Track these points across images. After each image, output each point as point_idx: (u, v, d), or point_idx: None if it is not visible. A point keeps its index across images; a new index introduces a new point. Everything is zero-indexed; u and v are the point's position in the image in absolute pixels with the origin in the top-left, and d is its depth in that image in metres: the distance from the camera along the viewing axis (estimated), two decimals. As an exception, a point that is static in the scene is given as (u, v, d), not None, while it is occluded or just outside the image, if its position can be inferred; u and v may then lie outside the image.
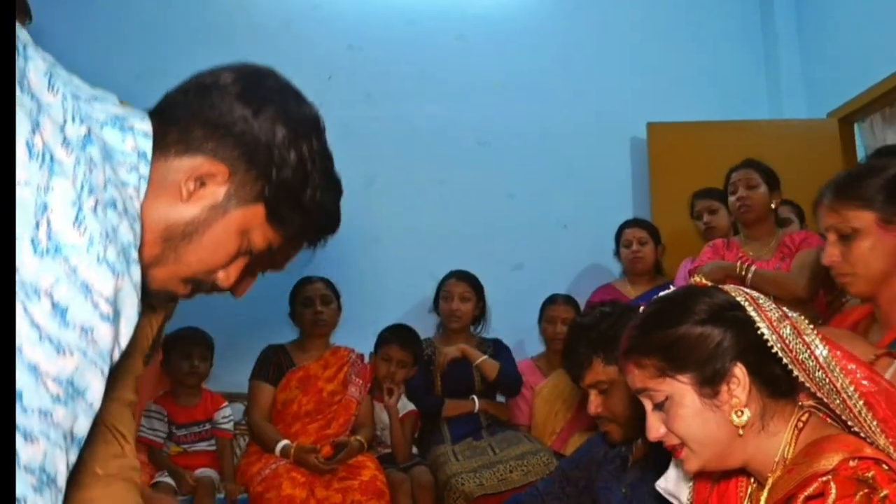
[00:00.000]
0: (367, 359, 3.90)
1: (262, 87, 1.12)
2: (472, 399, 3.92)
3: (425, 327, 4.18)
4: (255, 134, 1.08)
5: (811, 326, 1.28)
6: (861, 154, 4.73)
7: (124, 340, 0.94)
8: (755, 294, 1.34)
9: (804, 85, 5.08)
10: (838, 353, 1.26)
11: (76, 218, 0.85)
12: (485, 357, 3.96)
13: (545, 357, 4.18)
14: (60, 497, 0.85)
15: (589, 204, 4.82)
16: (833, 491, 1.13)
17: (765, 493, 1.29)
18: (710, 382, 1.28)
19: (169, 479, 3.30)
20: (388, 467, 3.58)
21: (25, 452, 0.80)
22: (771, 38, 5.18)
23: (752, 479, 1.38)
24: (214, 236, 1.08)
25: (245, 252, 1.14)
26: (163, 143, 1.04)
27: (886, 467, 1.16)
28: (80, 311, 0.85)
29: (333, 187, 1.19)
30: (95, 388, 0.88)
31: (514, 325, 4.38)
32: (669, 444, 1.35)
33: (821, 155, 4.60)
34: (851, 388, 1.24)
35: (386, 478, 3.46)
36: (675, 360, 1.30)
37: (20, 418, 0.79)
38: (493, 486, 3.41)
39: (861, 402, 1.23)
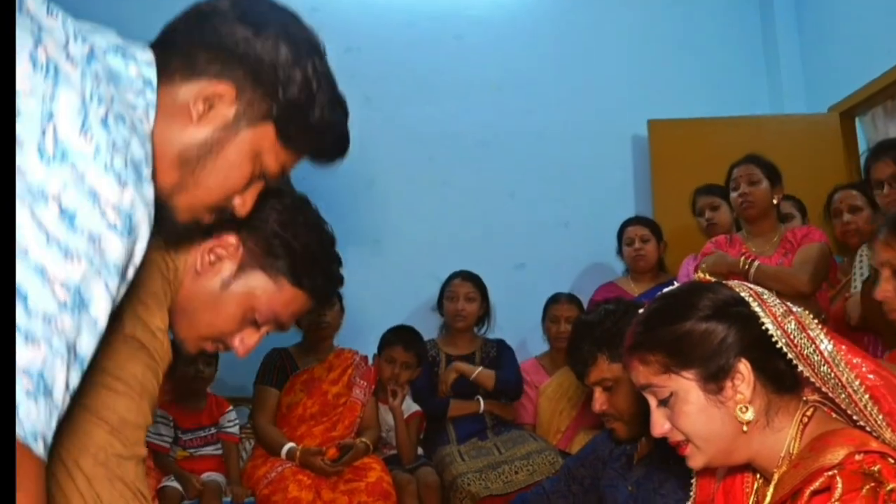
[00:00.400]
0: (370, 361, 3.90)
1: (261, 10, 1.14)
2: (477, 399, 3.92)
3: (428, 328, 4.18)
4: (258, 53, 1.09)
5: (816, 321, 1.28)
6: (863, 148, 4.72)
7: (138, 258, 0.94)
8: (759, 289, 1.34)
9: (805, 80, 5.08)
10: (843, 347, 1.26)
11: (82, 126, 0.85)
12: (479, 370, 3.95)
13: (549, 356, 4.18)
14: (55, 415, 0.82)
15: (591, 202, 4.82)
16: (839, 485, 1.13)
17: (770, 489, 1.29)
18: (715, 378, 1.28)
19: (175, 484, 3.30)
20: (393, 468, 3.59)
21: (24, 355, 0.78)
22: (771, 34, 5.18)
23: (758, 475, 1.37)
24: (229, 158, 1.10)
25: (259, 176, 1.16)
26: (167, 71, 1.06)
27: (893, 461, 1.15)
28: (87, 218, 0.84)
29: (340, 107, 1.20)
30: (101, 304, 0.87)
31: (517, 324, 4.38)
32: (673, 441, 1.35)
33: (822, 149, 4.61)
34: (857, 383, 1.24)
35: (392, 479, 3.46)
36: (679, 356, 1.30)
37: (22, 320, 0.78)
38: (498, 488, 3.42)
39: (867, 397, 1.23)
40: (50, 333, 0.80)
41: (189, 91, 1.07)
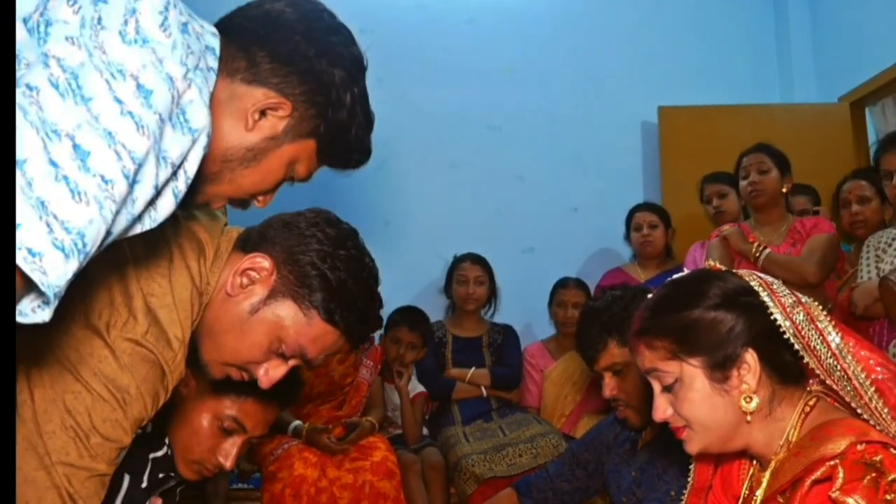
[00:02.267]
0: (377, 341, 3.92)
1: (324, 27, 1.17)
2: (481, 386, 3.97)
3: (435, 309, 4.20)
4: (317, 74, 1.13)
5: (825, 313, 1.28)
6: (872, 138, 4.71)
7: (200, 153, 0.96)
8: (769, 279, 1.34)
9: (815, 69, 5.06)
10: (851, 341, 1.26)
11: (162, 23, 0.88)
12: (472, 371, 3.97)
13: (555, 340, 4.19)
14: (70, 279, 0.78)
15: (599, 188, 4.82)
16: (840, 475, 1.13)
17: (767, 475, 1.30)
18: (721, 367, 1.29)
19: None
20: (398, 448, 3.60)
21: (69, 209, 0.76)
22: (782, 22, 5.15)
23: (754, 461, 1.38)
24: (268, 165, 1.15)
25: (287, 179, 1.20)
26: (230, 66, 1.09)
27: (894, 451, 1.16)
28: (162, 100, 0.86)
29: (370, 125, 1.24)
30: (145, 190, 0.86)
31: (524, 308, 4.40)
32: (674, 426, 1.35)
33: (832, 139, 4.59)
34: (863, 376, 1.24)
35: (397, 458, 3.47)
36: (686, 343, 1.30)
37: (77, 174, 0.77)
38: (502, 470, 3.43)
39: (872, 389, 1.24)
40: (103, 197, 0.79)
41: (249, 96, 1.10)
